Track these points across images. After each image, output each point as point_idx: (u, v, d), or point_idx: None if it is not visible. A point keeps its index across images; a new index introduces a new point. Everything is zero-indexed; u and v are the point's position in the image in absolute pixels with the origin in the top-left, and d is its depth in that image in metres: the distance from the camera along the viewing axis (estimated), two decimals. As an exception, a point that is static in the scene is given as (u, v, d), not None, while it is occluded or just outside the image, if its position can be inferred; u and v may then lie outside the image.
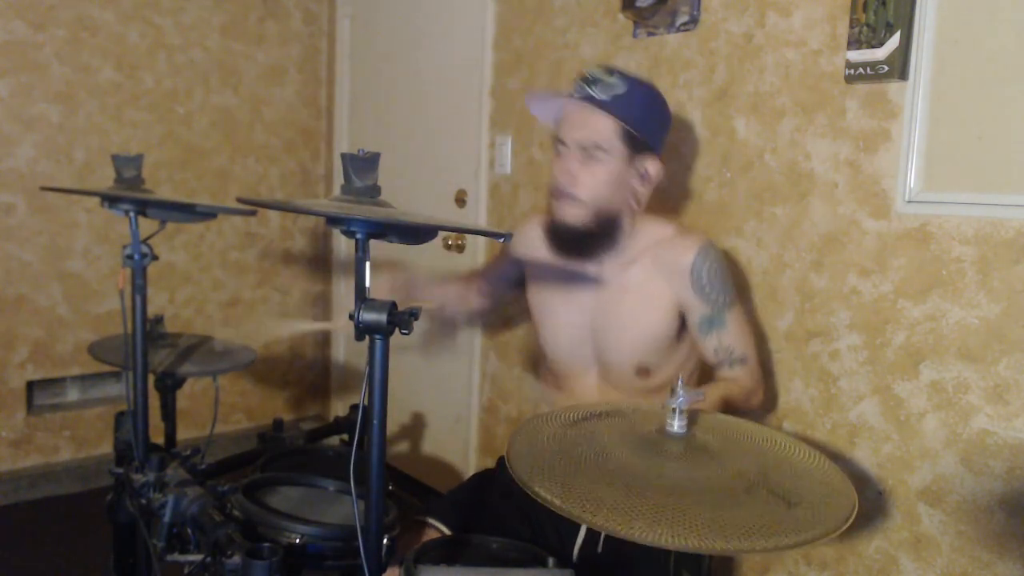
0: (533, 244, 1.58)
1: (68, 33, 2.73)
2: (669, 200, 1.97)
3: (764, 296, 1.77)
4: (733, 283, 1.47)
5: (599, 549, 1.40)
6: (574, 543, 1.42)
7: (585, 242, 1.45)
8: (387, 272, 1.54)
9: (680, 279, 1.43)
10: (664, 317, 1.45)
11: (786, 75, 1.71)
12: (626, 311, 1.47)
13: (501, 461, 1.64)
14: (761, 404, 1.53)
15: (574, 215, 1.42)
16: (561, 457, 0.95)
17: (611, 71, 1.41)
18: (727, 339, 1.45)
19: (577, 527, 1.41)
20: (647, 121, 1.42)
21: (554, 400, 1.65)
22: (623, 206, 1.45)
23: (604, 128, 1.39)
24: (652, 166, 1.45)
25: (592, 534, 1.40)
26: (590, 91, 1.38)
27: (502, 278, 1.71)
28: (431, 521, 1.45)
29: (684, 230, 1.51)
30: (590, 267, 1.50)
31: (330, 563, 1.15)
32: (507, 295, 1.75)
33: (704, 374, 1.57)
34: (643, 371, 1.48)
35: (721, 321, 1.44)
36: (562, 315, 1.56)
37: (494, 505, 1.51)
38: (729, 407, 1.39)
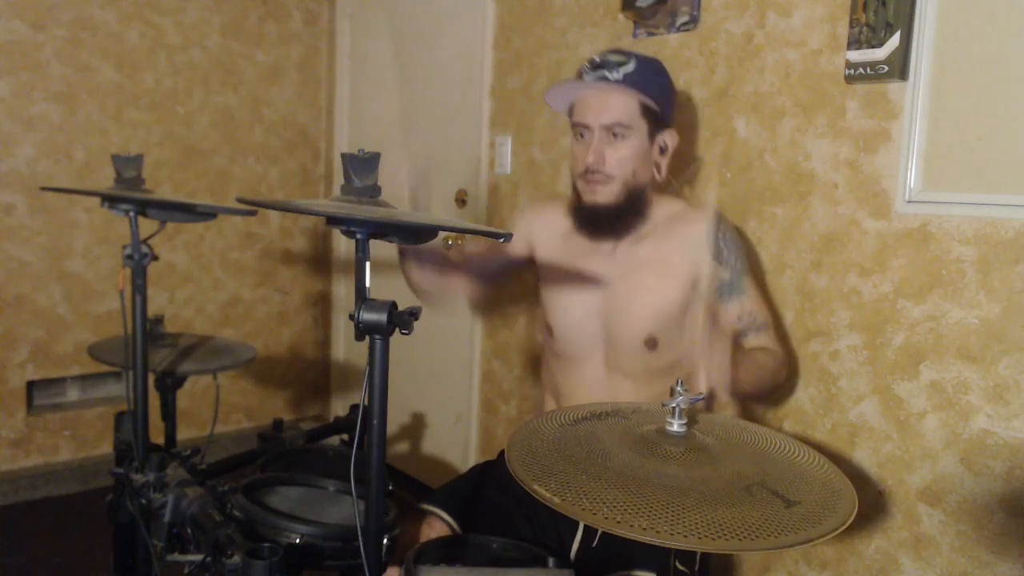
0: (551, 224, 1.61)
1: (68, 33, 2.73)
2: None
3: (764, 296, 1.77)
4: (745, 253, 1.51)
5: (595, 546, 1.40)
6: (572, 542, 1.42)
7: (618, 219, 1.49)
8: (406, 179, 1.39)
9: (697, 248, 1.46)
10: (678, 287, 1.47)
11: (786, 75, 1.71)
12: (638, 283, 1.49)
13: (503, 453, 1.63)
14: (788, 375, 1.52)
15: (607, 193, 1.46)
16: (561, 457, 0.95)
17: (618, 51, 1.46)
18: (748, 304, 1.47)
19: (575, 526, 1.41)
20: (661, 94, 1.48)
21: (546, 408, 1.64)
22: (647, 180, 1.50)
23: (626, 106, 1.43)
24: (670, 138, 1.51)
25: (590, 532, 1.40)
26: (605, 73, 1.43)
27: (499, 261, 1.69)
28: (433, 509, 1.45)
29: (694, 205, 1.56)
30: (604, 245, 1.53)
31: (330, 563, 1.15)
32: (498, 278, 1.73)
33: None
34: (651, 342, 1.49)
35: (741, 287, 1.47)
36: (573, 292, 1.57)
37: (494, 499, 1.51)
38: (763, 376, 1.41)
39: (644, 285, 1.48)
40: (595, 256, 1.54)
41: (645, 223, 1.51)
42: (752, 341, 1.48)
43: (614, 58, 1.44)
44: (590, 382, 1.56)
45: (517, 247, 1.68)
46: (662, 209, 1.53)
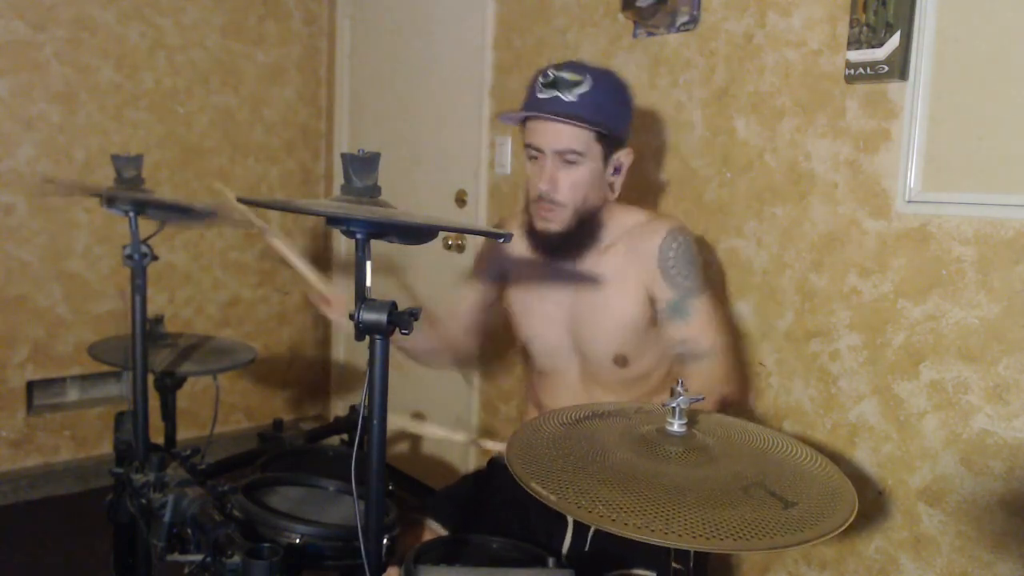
0: (513, 245, 1.56)
1: (68, 33, 2.73)
2: (669, 200, 1.97)
3: (764, 296, 1.77)
4: (702, 271, 1.44)
5: (587, 547, 1.39)
6: (562, 542, 1.41)
7: (569, 243, 1.44)
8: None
9: (648, 262, 1.41)
10: (637, 303, 1.43)
11: (786, 75, 1.71)
12: (601, 299, 1.46)
13: (492, 462, 1.64)
14: (729, 401, 1.43)
15: (559, 221, 1.41)
16: (560, 455, 0.95)
17: (572, 67, 1.37)
18: (689, 330, 1.41)
19: (564, 527, 1.40)
20: (617, 116, 1.41)
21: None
22: (601, 202, 1.45)
23: (579, 133, 1.36)
24: (625, 157, 1.45)
25: (579, 533, 1.40)
26: (559, 94, 1.34)
27: (485, 290, 1.66)
28: (424, 518, 1.45)
29: (657, 215, 1.51)
30: (566, 263, 1.49)
31: (330, 563, 1.15)
32: (493, 319, 1.70)
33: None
34: (621, 360, 1.47)
35: (685, 310, 1.40)
36: (542, 310, 1.54)
37: (488, 503, 1.51)
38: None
39: (606, 302, 1.45)
40: (559, 274, 1.50)
41: (603, 239, 1.46)
42: (691, 369, 1.41)
43: (568, 76, 1.35)
44: (568, 394, 1.55)
45: (492, 283, 1.63)
46: (623, 220, 1.47)
